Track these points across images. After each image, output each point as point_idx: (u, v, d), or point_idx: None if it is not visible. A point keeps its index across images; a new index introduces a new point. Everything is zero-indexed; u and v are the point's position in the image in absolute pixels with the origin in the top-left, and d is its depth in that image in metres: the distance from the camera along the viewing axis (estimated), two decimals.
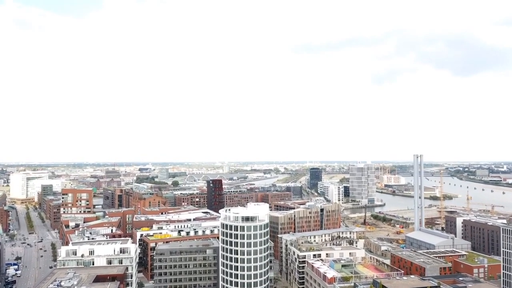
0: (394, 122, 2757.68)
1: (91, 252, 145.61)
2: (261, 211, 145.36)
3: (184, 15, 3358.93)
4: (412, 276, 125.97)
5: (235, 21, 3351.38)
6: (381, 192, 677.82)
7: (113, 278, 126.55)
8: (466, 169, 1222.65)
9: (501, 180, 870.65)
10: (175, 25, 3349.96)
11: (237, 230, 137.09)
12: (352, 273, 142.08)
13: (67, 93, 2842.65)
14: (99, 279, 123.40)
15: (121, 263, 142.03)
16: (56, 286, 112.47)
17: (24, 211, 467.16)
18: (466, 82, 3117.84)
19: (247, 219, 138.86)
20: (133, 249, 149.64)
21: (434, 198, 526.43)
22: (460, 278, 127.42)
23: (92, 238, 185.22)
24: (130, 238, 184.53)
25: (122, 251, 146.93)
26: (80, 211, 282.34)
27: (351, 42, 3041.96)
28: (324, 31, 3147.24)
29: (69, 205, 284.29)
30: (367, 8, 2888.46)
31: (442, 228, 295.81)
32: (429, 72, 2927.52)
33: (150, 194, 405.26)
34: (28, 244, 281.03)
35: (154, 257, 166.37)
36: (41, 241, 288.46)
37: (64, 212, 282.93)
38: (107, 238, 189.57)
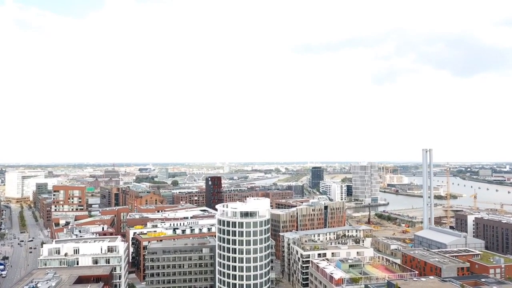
0: (394, 122, 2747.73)
1: (76, 251, 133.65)
2: (262, 207, 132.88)
3: (184, 15, 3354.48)
4: (431, 277, 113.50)
5: (235, 22, 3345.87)
6: (384, 192, 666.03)
7: (97, 279, 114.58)
8: (469, 169, 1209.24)
9: (505, 180, 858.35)
10: (175, 25, 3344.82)
11: (235, 227, 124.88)
12: (361, 273, 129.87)
13: (67, 94, 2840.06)
14: (81, 280, 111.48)
15: (108, 263, 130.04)
16: None
17: (19, 210, 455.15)
18: (466, 82, 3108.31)
19: (246, 214, 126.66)
20: (122, 247, 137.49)
21: (439, 197, 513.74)
22: (482, 280, 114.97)
23: (80, 236, 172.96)
24: (119, 236, 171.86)
25: (110, 249, 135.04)
26: (72, 209, 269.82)
27: (351, 42, 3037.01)
28: (324, 31, 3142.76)
29: (61, 202, 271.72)
30: (367, 8, 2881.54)
31: (451, 227, 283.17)
32: (429, 72, 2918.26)
33: (147, 192, 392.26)
34: (18, 244, 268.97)
35: (146, 257, 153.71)
36: (32, 240, 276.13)
37: (55, 209, 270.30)
38: (96, 236, 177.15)
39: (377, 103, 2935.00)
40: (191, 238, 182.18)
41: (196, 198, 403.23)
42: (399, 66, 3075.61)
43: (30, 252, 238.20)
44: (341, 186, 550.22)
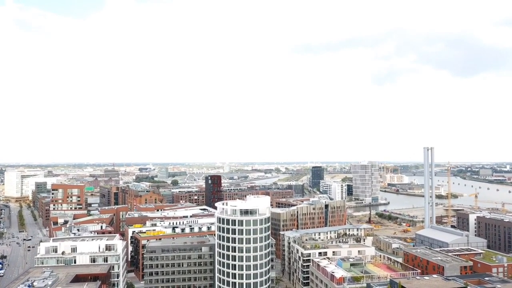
0: (395, 122, 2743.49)
1: (73, 249, 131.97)
2: (262, 204, 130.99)
3: (185, 16, 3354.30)
4: (434, 275, 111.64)
5: (235, 22, 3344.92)
6: (385, 191, 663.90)
7: (95, 277, 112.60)
8: (469, 169, 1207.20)
9: (505, 180, 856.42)
10: (175, 26, 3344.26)
11: (235, 225, 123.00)
12: (362, 272, 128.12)
13: (67, 94, 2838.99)
14: (78, 278, 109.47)
15: (106, 261, 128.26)
16: (27, 287, 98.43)
17: (18, 209, 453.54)
18: (466, 82, 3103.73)
19: (246, 212, 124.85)
20: (120, 246, 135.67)
21: (439, 197, 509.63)
22: (486, 278, 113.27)
23: (79, 235, 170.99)
24: (117, 234, 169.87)
25: (108, 248, 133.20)
26: (71, 208, 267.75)
27: (351, 42, 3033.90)
28: (323, 31, 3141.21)
29: (59, 201, 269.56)
30: (367, 8, 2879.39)
31: (452, 226, 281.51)
32: (429, 72, 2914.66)
33: (146, 191, 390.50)
34: (17, 243, 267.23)
35: (144, 255, 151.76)
36: (30, 239, 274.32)
37: (54, 208, 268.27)
38: (95, 234, 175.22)
39: (377, 103, 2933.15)
40: (190, 236, 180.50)
41: (196, 197, 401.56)
42: (399, 66, 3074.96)
43: (28, 251, 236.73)
44: (342, 185, 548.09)
